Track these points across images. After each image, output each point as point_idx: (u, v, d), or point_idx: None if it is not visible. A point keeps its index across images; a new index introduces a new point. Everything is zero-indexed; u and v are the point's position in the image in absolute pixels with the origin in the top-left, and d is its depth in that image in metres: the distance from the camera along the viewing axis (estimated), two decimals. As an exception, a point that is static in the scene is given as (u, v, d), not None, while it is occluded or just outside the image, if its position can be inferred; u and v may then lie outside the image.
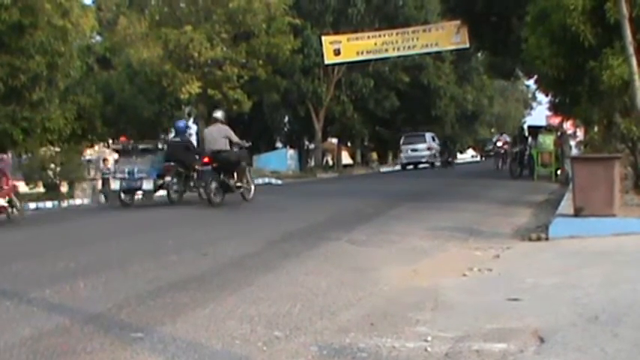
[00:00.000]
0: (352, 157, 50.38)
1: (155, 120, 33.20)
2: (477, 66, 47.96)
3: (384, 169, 43.51)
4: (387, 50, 32.92)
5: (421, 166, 37.90)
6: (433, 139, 39.48)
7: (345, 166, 45.79)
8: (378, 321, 4.57)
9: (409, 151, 37.88)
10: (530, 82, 35.23)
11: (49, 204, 18.39)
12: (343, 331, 4.34)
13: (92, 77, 31.16)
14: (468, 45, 29.92)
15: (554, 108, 20.91)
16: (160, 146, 16.60)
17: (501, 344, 3.93)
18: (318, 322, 4.58)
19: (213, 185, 14.15)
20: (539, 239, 8.32)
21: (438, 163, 38.53)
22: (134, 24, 29.19)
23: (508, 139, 29.95)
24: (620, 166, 9.22)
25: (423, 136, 38.57)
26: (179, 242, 8.77)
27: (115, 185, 16.01)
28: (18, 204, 13.55)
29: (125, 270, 6.73)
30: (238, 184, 14.75)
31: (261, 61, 30.90)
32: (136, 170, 15.65)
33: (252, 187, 15.42)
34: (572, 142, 21.43)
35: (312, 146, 44.70)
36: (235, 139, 14.70)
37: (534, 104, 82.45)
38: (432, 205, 13.42)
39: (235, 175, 14.67)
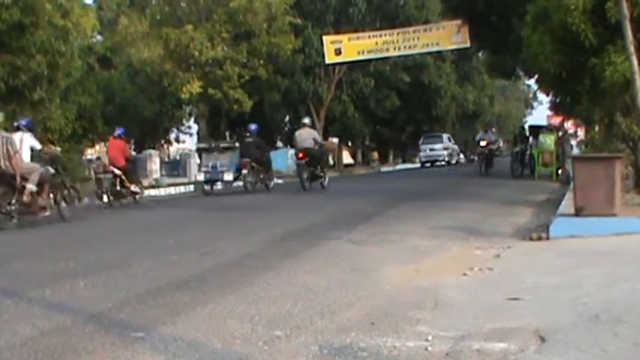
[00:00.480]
0: (353, 156, 50.33)
1: (156, 119, 33.24)
2: (477, 65, 47.95)
3: (384, 168, 43.53)
4: (387, 50, 32.86)
5: (437, 163, 40.58)
6: (449, 140, 43.05)
7: (346, 165, 45.73)
8: (378, 320, 4.57)
9: (427, 151, 41.17)
10: (531, 82, 35.37)
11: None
12: (344, 330, 4.34)
13: (93, 77, 31.14)
14: (468, 44, 29.87)
15: (555, 107, 20.97)
16: (237, 145, 21.19)
17: (502, 344, 3.93)
18: (318, 321, 4.58)
19: (305, 175, 18.11)
20: (539, 239, 8.31)
21: (453, 162, 41.69)
22: (135, 23, 29.22)
23: (493, 137, 27.07)
24: (621, 166, 9.21)
25: (441, 137, 42.19)
26: (179, 242, 8.78)
27: (200, 177, 20.51)
28: (143, 191, 18.51)
29: (125, 269, 6.74)
30: (320, 174, 18.82)
31: (261, 61, 30.95)
32: (218, 164, 20.41)
33: (327, 178, 19.39)
34: (573, 142, 21.47)
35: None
36: (320, 139, 19.12)
37: (535, 104, 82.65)
38: (432, 204, 13.41)
39: (318, 167, 18.74)
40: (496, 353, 3.77)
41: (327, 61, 33.60)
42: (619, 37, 10.60)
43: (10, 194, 11.66)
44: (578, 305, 4.72)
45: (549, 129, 23.53)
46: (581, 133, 25.32)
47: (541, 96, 59.70)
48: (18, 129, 12.83)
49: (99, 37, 35.73)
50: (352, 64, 36.65)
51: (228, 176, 19.72)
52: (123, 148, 17.47)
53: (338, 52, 32.89)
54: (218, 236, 9.29)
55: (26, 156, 12.32)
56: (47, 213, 12.20)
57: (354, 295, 5.38)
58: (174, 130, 42.46)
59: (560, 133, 21.97)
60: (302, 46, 33.95)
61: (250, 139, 19.78)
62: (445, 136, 42.77)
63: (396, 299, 5.25)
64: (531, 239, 8.35)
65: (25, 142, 12.42)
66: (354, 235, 8.86)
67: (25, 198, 11.65)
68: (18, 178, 11.71)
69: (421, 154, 41.72)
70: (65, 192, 13.08)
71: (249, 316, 4.71)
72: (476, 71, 49.92)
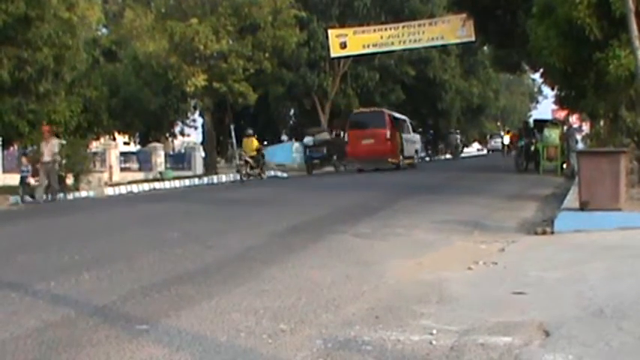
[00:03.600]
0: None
1: (161, 113, 33.20)
2: (482, 59, 47.79)
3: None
4: (392, 43, 32.76)
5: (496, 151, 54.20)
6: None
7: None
8: (382, 314, 4.57)
9: (492, 143, 60.84)
10: (536, 76, 35.43)
11: (54, 196, 18.46)
12: (348, 324, 4.34)
13: (98, 70, 31.10)
14: (473, 38, 29.75)
15: (560, 101, 20.90)
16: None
17: (506, 338, 3.93)
18: (323, 315, 4.59)
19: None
20: (544, 233, 8.31)
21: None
22: (140, 17, 29.13)
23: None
24: (625, 160, 9.20)
25: (500, 134, 59.06)
26: (184, 235, 8.78)
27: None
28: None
29: (130, 262, 6.75)
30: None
31: (266, 54, 30.82)
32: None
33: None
34: (578, 136, 21.39)
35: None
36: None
37: (540, 98, 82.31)
38: (437, 198, 13.40)
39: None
40: (500, 347, 3.77)
41: (332, 54, 33.51)
42: (624, 31, 10.57)
43: None
44: (582, 300, 4.72)
45: (554, 123, 23.49)
46: (586, 127, 25.29)
47: (546, 90, 62.75)
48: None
49: (104, 31, 35.68)
50: (357, 58, 36.54)
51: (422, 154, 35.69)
52: None
53: (343, 45, 32.80)
54: (223, 229, 9.29)
55: None
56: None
57: (359, 289, 5.38)
58: (179, 123, 42.40)
59: (565, 128, 21.90)
60: (307, 40, 33.83)
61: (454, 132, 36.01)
62: (502, 133, 58.79)
63: (400, 293, 5.25)
64: (536, 233, 8.35)
65: None
66: (359, 229, 8.87)
67: None
68: None
69: (488, 145, 63.50)
70: None
71: (253, 310, 4.72)
72: (481, 65, 49.78)
